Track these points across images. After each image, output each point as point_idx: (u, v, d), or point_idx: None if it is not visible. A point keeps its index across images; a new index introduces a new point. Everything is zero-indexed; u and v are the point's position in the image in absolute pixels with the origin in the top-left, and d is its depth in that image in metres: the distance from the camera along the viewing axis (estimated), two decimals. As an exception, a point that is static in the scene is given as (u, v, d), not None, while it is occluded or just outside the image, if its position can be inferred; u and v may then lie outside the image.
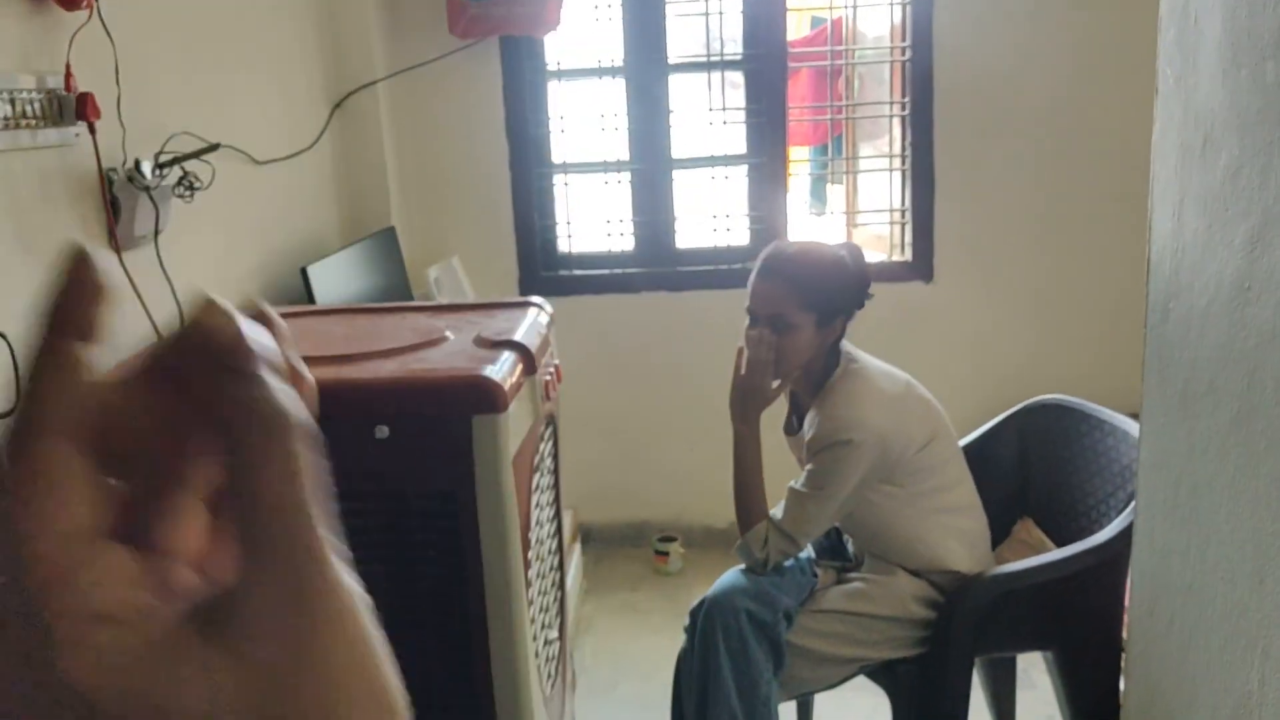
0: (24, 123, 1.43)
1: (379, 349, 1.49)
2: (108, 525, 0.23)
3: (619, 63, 3.17)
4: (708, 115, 3.19)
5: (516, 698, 1.44)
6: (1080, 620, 1.80)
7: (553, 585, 1.80)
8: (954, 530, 1.82)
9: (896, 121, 3.26)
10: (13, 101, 1.41)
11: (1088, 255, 3.17)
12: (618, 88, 3.19)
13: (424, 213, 3.18)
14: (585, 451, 2.84)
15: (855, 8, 3.26)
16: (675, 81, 3.21)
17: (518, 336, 1.54)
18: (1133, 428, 1.84)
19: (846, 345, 1.85)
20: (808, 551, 1.87)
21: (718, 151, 3.22)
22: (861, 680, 1.85)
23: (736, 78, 3.23)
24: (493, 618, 1.40)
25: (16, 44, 1.45)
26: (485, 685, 1.42)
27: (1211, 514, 1.11)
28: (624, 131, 3.20)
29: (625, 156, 3.22)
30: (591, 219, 3.32)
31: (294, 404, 0.24)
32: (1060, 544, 1.91)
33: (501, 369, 1.41)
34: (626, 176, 3.24)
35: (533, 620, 1.52)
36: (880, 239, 3.42)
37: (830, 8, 3.32)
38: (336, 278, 2.32)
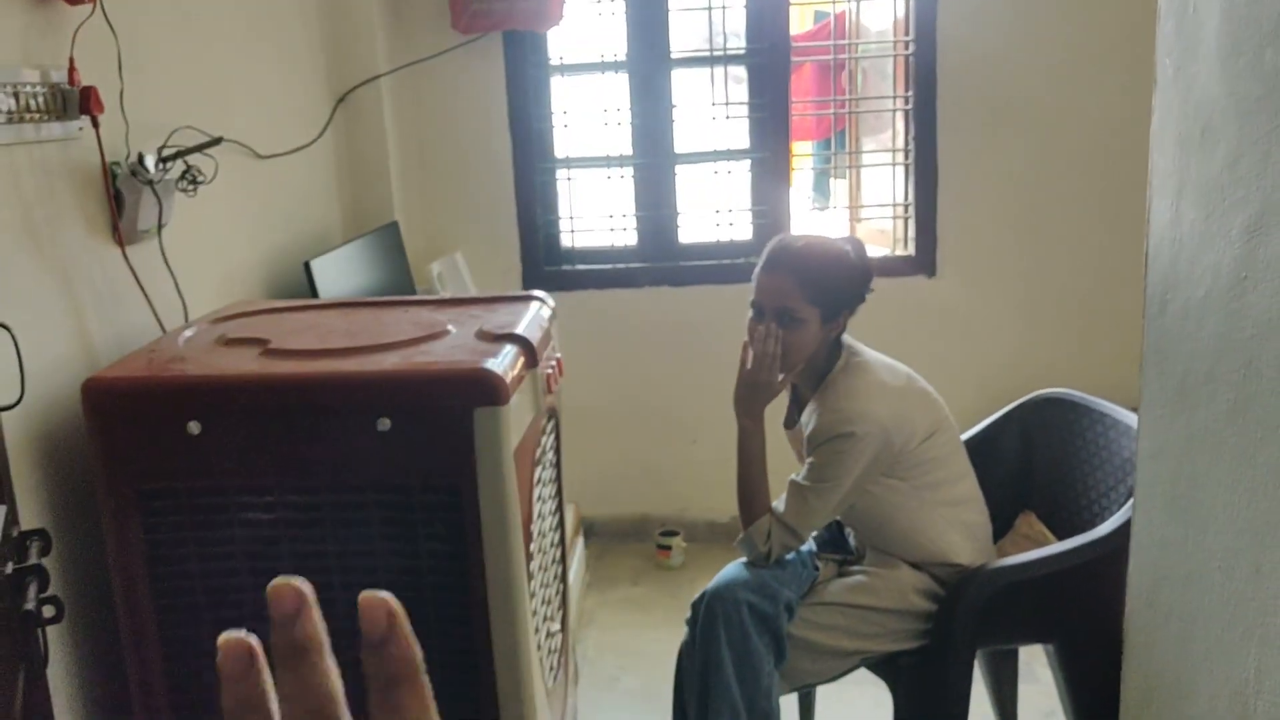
0: (27, 116, 1.44)
1: (381, 342, 1.49)
2: None
3: (622, 57, 3.17)
4: (710, 110, 3.19)
5: (519, 690, 1.44)
6: (1082, 613, 1.81)
7: (555, 578, 1.81)
8: (956, 523, 1.83)
9: (899, 116, 3.26)
10: (16, 95, 1.41)
11: (1090, 250, 3.17)
12: (620, 82, 3.19)
13: (427, 207, 3.19)
14: (588, 446, 2.85)
15: (858, 2, 3.26)
16: (678, 76, 3.21)
17: (519, 330, 1.55)
18: (1134, 421, 1.84)
19: (848, 338, 1.85)
20: (809, 544, 1.88)
21: (720, 146, 3.22)
22: (863, 673, 1.85)
23: (739, 72, 3.23)
24: (495, 610, 1.41)
25: (20, 37, 1.46)
26: (488, 678, 1.43)
27: (1209, 504, 1.11)
28: (627, 126, 3.20)
29: (628, 151, 3.23)
30: (594, 214, 3.32)
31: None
32: (1062, 537, 1.92)
33: (503, 362, 1.41)
34: (629, 171, 3.25)
35: (535, 613, 1.53)
36: (883, 233, 3.42)
37: (833, 2, 3.32)
38: (339, 272, 2.33)
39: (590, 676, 2.57)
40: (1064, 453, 2.01)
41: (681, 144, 3.24)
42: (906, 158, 3.22)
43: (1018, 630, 1.89)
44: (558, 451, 1.83)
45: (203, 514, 1.40)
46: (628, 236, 3.30)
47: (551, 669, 1.68)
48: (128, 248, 1.67)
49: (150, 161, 1.69)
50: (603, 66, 3.20)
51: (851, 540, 1.97)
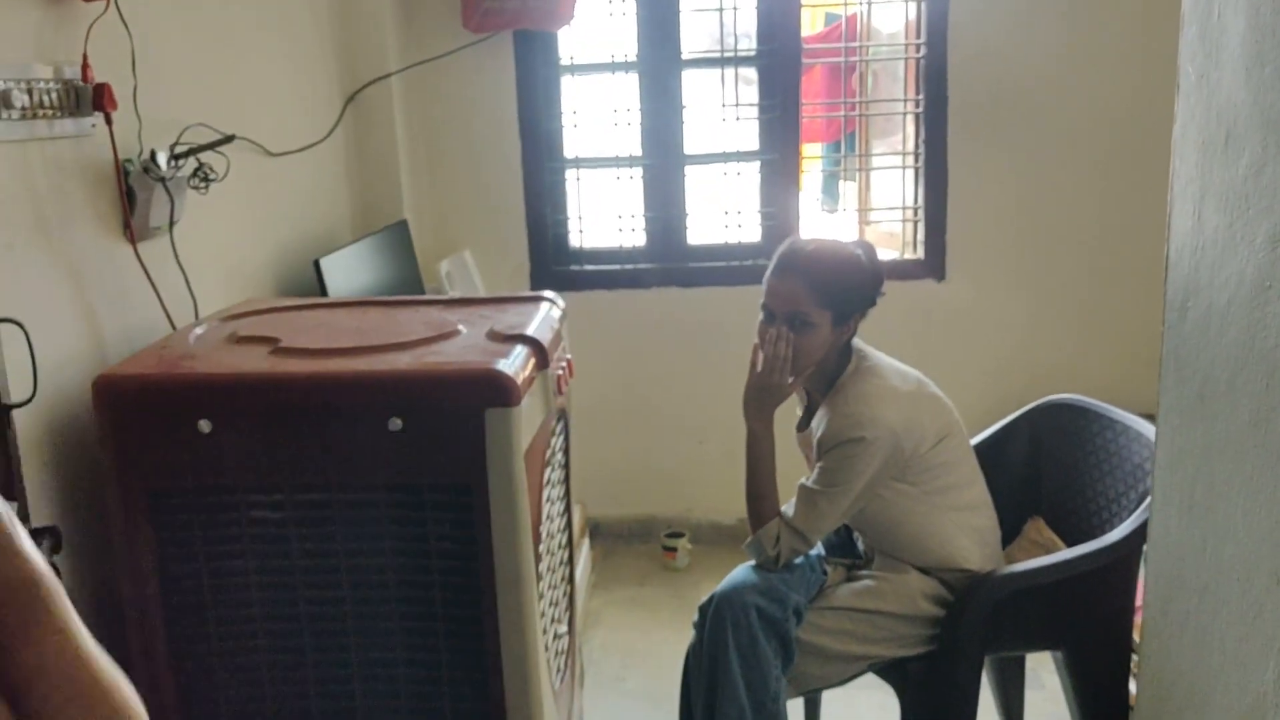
0: (41, 113, 1.44)
1: (392, 342, 1.49)
2: None
3: (632, 58, 3.17)
4: (721, 111, 3.18)
5: (526, 691, 1.44)
6: (1090, 620, 1.80)
7: (562, 579, 1.80)
8: (965, 528, 1.82)
9: (910, 119, 3.25)
10: (30, 91, 1.41)
11: (1102, 254, 3.16)
12: (631, 83, 3.19)
13: (436, 206, 3.19)
14: (595, 446, 2.85)
15: (870, 4, 3.25)
16: (688, 77, 3.21)
17: (530, 331, 1.55)
18: (1145, 428, 1.83)
19: (858, 342, 1.85)
20: (818, 548, 1.87)
21: (730, 147, 3.22)
22: (870, 678, 1.84)
23: (750, 73, 3.23)
24: (503, 610, 1.40)
25: (34, 34, 1.46)
26: (495, 678, 1.43)
27: (1228, 514, 1.10)
28: (636, 127, 3.20)
29: (638, 152, 3.22)
30: (603, 214, 3.31)
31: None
32: (1071, 544, 1.91)
33: (514, 363, 1.41)
34: (639, 172, 3.24)
35: (543, 614, 1.53)
36: (893, 236, 3.41)
37: (845, 4, 3.31)
38: (349, 270, 2.32)
39: (596, 677, 2.56)
40: (1073, 458, 2.00)
41: (691, 145, 3.24)
42: (916, 161, 3.21)
43: (1026, 636, 1.88)
44: (567, 453, 1.82)
45: (212, 512, 1.39)
46: (636, 237, 3.29)
47: (559, 670, 1.68)
48: (139, 245, 1.66)
49: (163, 159, 1.69)
50: (613, 67, 3.19)
51: (860, 545, 1.96)
